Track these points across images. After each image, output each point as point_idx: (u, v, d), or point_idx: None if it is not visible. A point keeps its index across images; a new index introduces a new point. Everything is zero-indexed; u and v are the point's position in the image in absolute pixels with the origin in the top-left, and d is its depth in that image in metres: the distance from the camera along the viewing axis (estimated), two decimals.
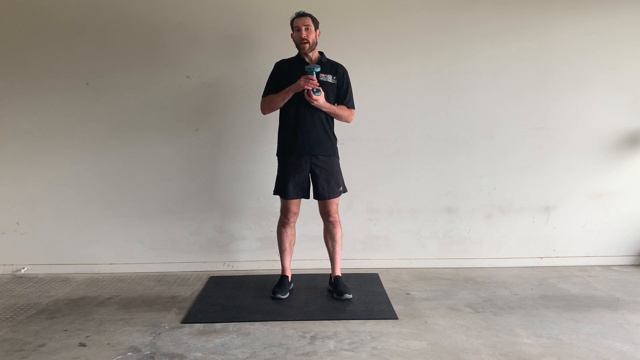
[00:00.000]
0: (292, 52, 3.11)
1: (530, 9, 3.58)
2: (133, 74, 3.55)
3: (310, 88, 2.87)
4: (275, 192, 3.12)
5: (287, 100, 2.97)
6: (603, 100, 3.65)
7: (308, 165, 3.02)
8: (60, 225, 3.64)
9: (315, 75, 2.88)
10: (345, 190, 3.15)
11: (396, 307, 2.91)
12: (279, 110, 3.08)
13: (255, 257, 3.71)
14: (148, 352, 2.39)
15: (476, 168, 3.69)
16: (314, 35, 3.00)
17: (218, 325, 2.69)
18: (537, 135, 3.67)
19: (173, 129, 3.60)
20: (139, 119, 3.59)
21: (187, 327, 2.67)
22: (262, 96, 3.10)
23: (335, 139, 3.11)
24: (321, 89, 2.91)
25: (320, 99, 2.90)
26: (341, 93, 3.07)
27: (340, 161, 3.14)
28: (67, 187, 3.61)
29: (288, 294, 3.11)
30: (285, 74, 3.01)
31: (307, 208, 3.23)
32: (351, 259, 3.63)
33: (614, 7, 3.59)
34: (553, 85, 3.63)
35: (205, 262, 3.68)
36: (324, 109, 2.98)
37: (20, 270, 3.61)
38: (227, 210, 3.68)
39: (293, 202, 3.07)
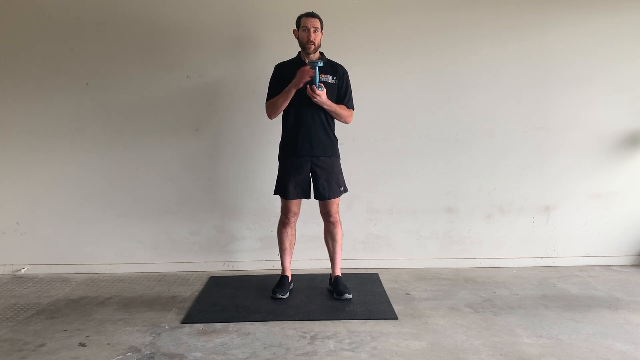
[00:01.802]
0: (292, 52, 3.11)
1: (531, 8, 3.58)
2: (133, 74, 3.56)
3: (309, 78, 2.84)
4: (275, 192, 3.12)
5: (289, 99, 2.95)
6: (603, 100, 3.65)
7: (309, 166, 3.02)
8: (60, 225, 3.64)
9: (317, 69, 2.84)
10: (345, 190, 3.15)
11: (396, 307, 2.91)
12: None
13: (255, 257, 3.71)
14: (148, 352, 2.40)
15: (476, 168, 3.69)
16: (320, 38, 2.99)
17: (218, 325, 2.69)
18: (537, 135, 3.67)
19: (173, 129, 3.60)
20: (139, 119, 3.59)
21: (187, 327, 2.68)
22: (266, 101, 3.10)
23: (336, 140, 3.11)
24: (323, 85, 2.89)
25: (322, 95, 2.88)
26: (341, 93, 3.07)
27: (341, 161, 3.14)
28: (67, 187, 3.61)
29: (288, 294, 3.11)
30: (286, 76, 3.00)
31: (307, 208, 3.22)
32: (351, 259, 3.63)
33: (614, 7, 3.59)
34: (553, 85, 3.63)
35: (205, 262, 3.68)
36: (325, 106, 2.96)
37: (20, 270, 3.61)
38: (227, 210, 3.68)
39: (293, 202, 3.07)
